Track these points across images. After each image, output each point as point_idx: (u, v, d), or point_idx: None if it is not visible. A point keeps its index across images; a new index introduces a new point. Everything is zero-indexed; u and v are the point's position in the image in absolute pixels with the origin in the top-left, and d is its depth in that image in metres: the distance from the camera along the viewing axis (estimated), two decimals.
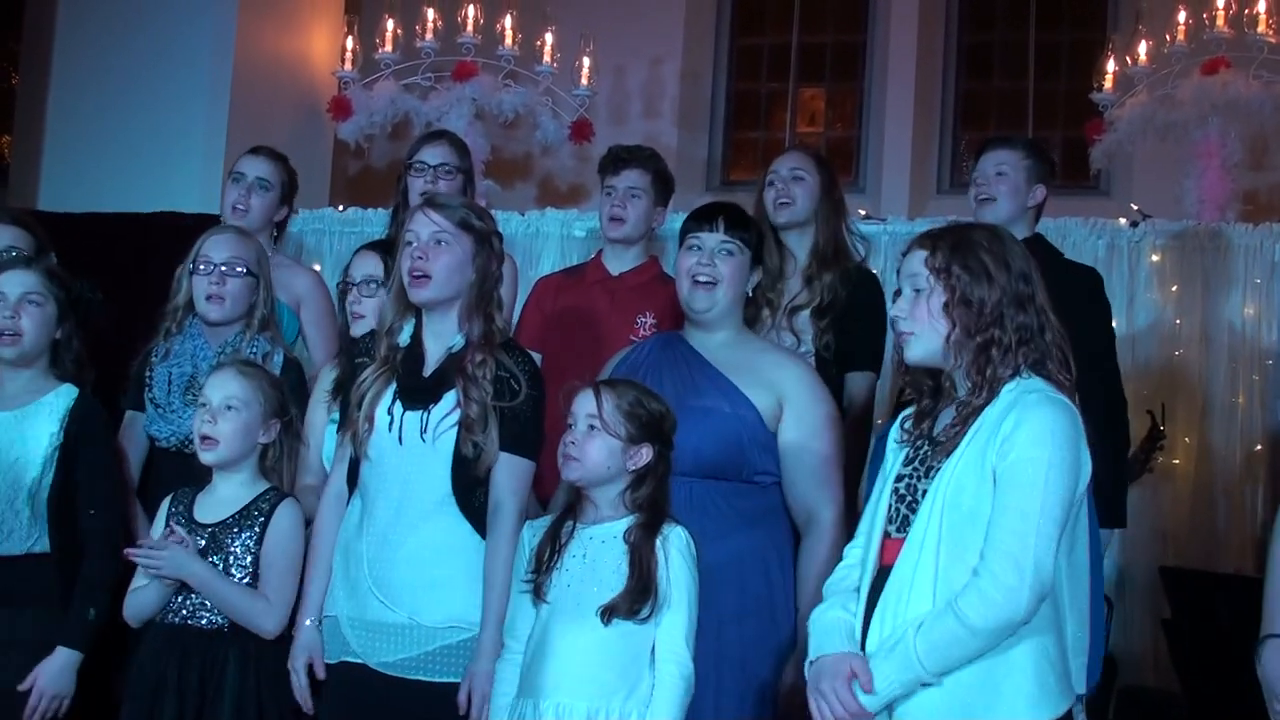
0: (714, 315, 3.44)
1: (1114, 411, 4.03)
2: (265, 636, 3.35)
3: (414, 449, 3.20)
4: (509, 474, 3.19)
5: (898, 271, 2.80)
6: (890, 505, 2.72)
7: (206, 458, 3.43)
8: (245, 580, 3.36)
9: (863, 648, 2.64)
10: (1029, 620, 2.52)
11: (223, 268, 3.80)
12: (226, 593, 3.33)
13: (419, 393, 3.23)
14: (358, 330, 3.74)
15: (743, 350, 3.45)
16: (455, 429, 3.18)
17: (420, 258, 3.22)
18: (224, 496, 3.44)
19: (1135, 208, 5.86)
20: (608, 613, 2.91)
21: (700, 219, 3.48)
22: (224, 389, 3.43)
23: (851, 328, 4.01)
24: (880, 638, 2.61)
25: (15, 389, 3.58)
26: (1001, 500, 2.54)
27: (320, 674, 3.26)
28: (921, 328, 2.69)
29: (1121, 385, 4.13)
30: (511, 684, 3.02)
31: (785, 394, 3.37)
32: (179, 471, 3.63)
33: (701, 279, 3.42)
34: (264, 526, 3.39)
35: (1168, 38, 6.32)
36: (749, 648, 3.27)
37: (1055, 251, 4.19)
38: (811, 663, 2.69)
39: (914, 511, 2.65)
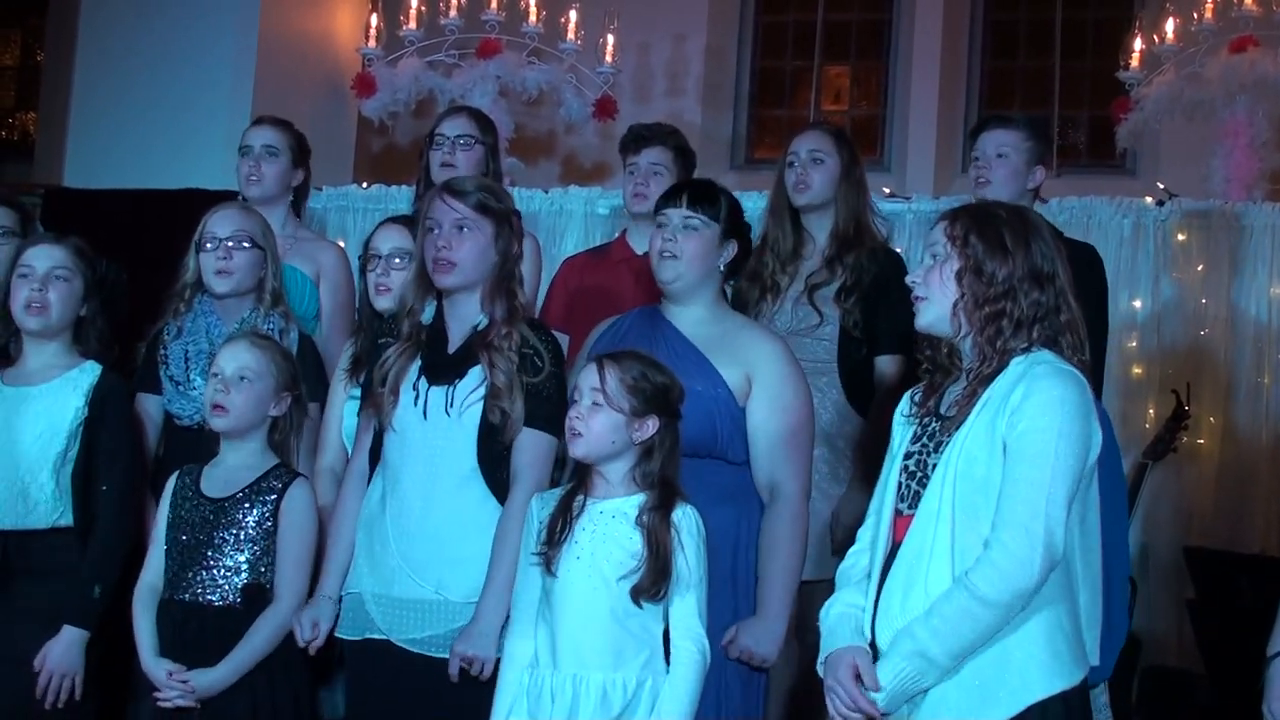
0: (680, 287, 3.43)
1: None
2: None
3: (439, 423, 3.21)
4: (530, 448, 3.20)
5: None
6: (900, 482, 2.72)
7: (217, 424, 3.43)
8: (257, 553, 3.35)
9: (873, 626, 2.65)
10: (1039, 589, 2.52)
11: (228, 242, 3.80)
12: (256, 653, 3.31)
13: (444, 369, 3.24)
14: (381, 304, 3.73)
15: (718, 326, 3.45)
16: (481, 402, 3.19)
17: (444, 245, 3.23)
18: (233, 466, 3.44)
19: (1161, 187, 5.83)
20: (637, 594, 2.93)
21: (667, 196, 3.50)
22: (237, 360, 3.43)
23: (878, 309, 3.98)
24: (892, 614, 2.61)
25: (40, 364, 3.61)
26: (1011, 471, 2.54)
27: (319, 642, 3.26)
28: (932, 293, 2.71)
29: (1102, 369, 4.03)
30: (522, 659, 3.03)
31: (755, 369, 3.37)
32: (195, 449, 3.62)
33: (665, 254, 3.41)
34: (276, 505, 3.38)
35: (1195, 15, 6.26)
36: (715, 620, 3.18)
37: (1056, 232, 4.15)
38: (824, 661, 2.70)
39: (924, 487, 2.65)
